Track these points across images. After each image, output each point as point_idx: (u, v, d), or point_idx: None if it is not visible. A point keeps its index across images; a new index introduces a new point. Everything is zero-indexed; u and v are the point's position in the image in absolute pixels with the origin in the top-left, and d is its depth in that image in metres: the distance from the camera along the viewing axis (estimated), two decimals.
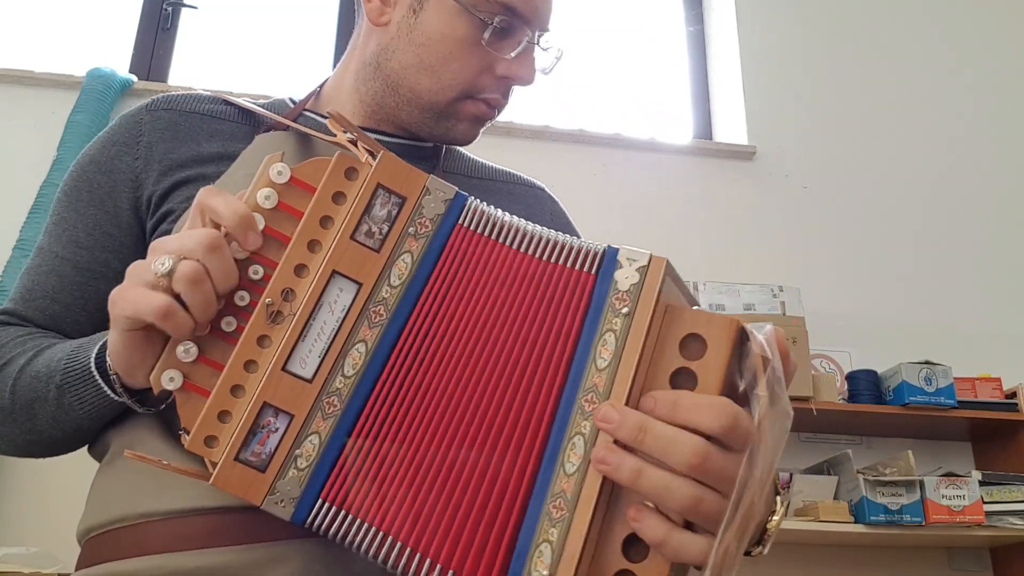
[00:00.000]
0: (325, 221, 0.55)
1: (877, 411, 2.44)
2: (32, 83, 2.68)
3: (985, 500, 2.29)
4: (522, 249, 0.56)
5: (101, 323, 0.75)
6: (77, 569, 0.69)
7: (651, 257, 0.52)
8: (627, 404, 0.49)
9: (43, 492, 2.24)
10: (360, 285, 0.54)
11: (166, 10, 2.95)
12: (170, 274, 0.53)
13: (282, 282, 0.54)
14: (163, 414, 0.68)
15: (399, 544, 0.51)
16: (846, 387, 2.55)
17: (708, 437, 0.47)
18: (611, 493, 0.49)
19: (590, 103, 3.17)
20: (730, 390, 0.49)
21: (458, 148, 0.93)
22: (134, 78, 2.69)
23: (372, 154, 0.57)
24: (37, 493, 2.25)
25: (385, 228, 0.55)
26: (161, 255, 0.54)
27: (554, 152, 2.87)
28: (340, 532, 0.52)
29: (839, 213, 2.96)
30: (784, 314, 2.46)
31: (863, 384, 2.50)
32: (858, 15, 3.26)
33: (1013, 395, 2.51)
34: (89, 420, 0.68)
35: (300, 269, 0.55)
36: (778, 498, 0.58)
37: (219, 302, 0.55)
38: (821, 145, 3.05)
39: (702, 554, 0.46)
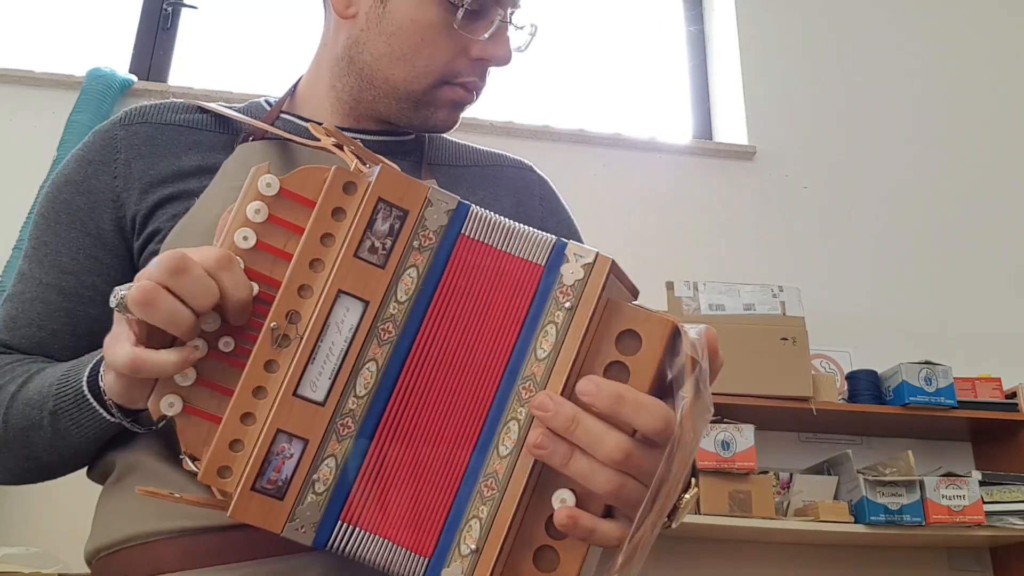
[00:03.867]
0: (326, 239, 0.54)
1: (877, 411, 2.44)
2: (32, 83, 2.68)
3: (985, 500, 2.29)
4: (510, 251, 0.56)
5: (89, 347, 0.74)
6: None
7: (597, 255, 0.53)
8: (563, 394, 0.51)
9: (43, 492, 2.23)
10: (367, 303, 0.53)
11: (166, 10, 2.95)
12: (122, 304, 0.51)
13: (286, 304, 0.53)
14: (165, 433, 0.67)
15: (395, 546, 0.52)
16: (846, 387, 2.54)
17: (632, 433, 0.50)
18: (539, 476, 0.52)
19: (590, 103, 3.17)
20: (659, 383, 0.52)
21: (440, 135, 0.91)
22: (134, 78, 2.69)
23: (361, 159, 0.57)
24: (37, 493, 2.24)
25: (388, 243, 0.54)
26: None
27: (554, 152, 2.87)
28: (359, 551, 0.52)
29: (839, 213, 2.96)
30: (784, 314, 2.46)
31: (863, 384, 2.50)
32: (859, 15, 3.26)
33: (1013, 395, 2.51)
34: (87, 443, 0.67)
35: (304, 290, 0.53)
36: (693, 479, 0.62)
37: (201, 317, 0.52)
38: (821, 145, 3.05)
39: (618, 540, 0.50)
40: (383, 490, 0.53)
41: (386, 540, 0.52)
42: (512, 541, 0.51)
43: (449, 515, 0.52)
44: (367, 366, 0.53)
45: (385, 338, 0.54)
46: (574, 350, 0.52)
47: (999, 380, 2.53)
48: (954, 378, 2.45)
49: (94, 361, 0.63)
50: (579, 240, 0.89)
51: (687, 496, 0.59)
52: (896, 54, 3.22)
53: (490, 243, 0.56)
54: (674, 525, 0.60)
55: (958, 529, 2.26)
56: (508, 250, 0.55)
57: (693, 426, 0.49)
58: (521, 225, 0.56)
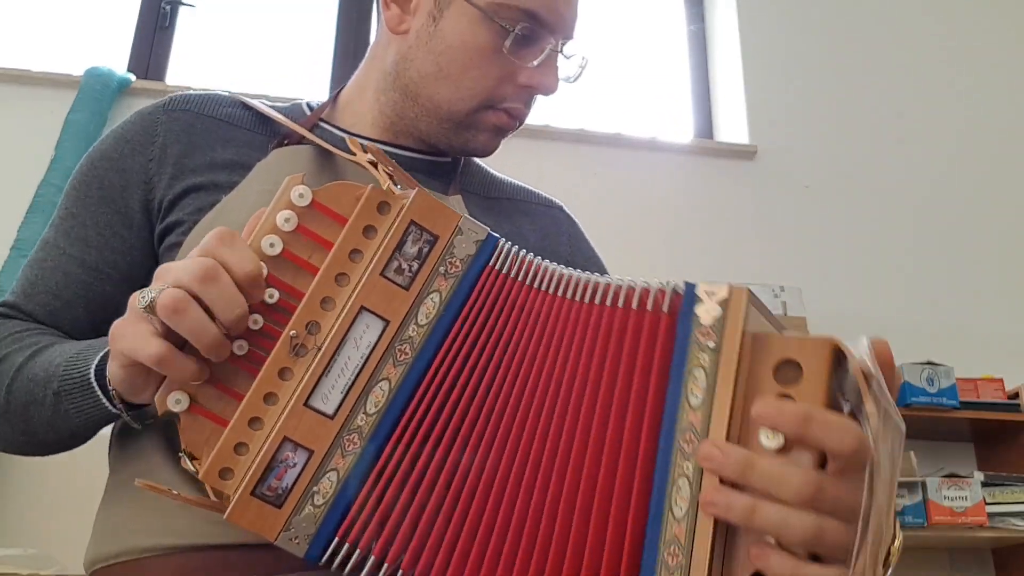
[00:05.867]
0: (354, 254, 0.54)
1: None
2: (29, 82, 2.67)
3: (987, 501, 2.29)
4: (562, 294, 0.55)
5: (100, 322, 0.75)
6: None
7: (731, 288, 0.50)
8: (727, 438, 0.46)
9: (41, 494, 2.23)
10: (387, 323, 0.54)
11: (164, 8, 2.94)
12: (151, 307, 0.51)
13: (307, 315, 0.53)
14: (167, 433, 0.67)
15: None
16: None
17: (822, 462, 0.45)
18: (727, 533, 0.47)
19: (590, 102, 3.16)
20: (832, 409, 0.46)
21: (476, 162, 0.91)
22: (132, 77, 2.68)
23: (393, 179, 0.57)
24: (35, 494, 2.24)
25: (415, 266, 0.55)
26: (158, 285, 0.53)
27: (554, 152, 2.86)
28: (354, 570, 0.52)
29: (841, 213, 2.95)
30: (785, 314, 2.45)
31: None
32: (860, 14, 3.25)
33: (1016, 396, 2.50)
34: (85, 428, 0.67)
35: (326, 302, 0.54)
36: (897, 521, 0.56)
37: (227, 329, 0.53)
38: (823, 144, 3.04)
39: None
40: (395, 522, 0.52)
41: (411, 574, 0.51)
42: None
43: None
44: (380, 384, 0.53)
45: (401, 359, 0.54)
46: (729, 390, 0.47)
47: (1001, 381, 2.52)
48: (956, 379, 2.44)
49: (105, 349, 0.63)
50: None
51: (896, 542, 0.53)
52: (898, 54, 3.21)
53: (522, 280, 0.56)
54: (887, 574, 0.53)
55: (960, 530, 2.26)
56: (551, 290, 0.55)
57: (889, 447, 0.43)
58: (579, 271, 0.55)
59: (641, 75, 3.29)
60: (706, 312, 0.50)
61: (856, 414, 0.45)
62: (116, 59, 2.84)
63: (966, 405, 2.44)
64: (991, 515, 2.28)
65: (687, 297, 0.51)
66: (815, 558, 0.45)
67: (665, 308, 0.52)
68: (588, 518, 0.49)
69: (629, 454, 0.50)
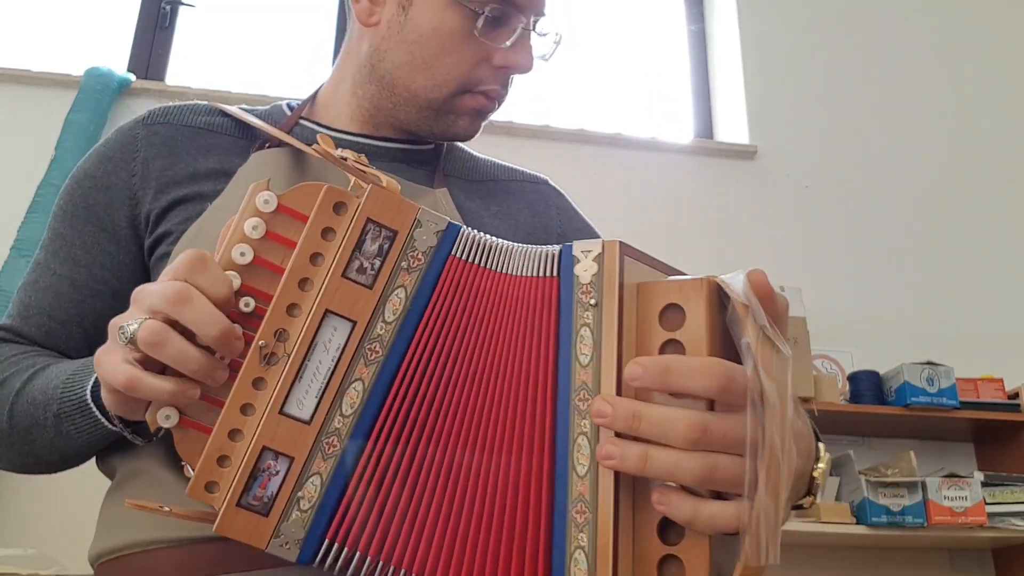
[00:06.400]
0: (315, 258, 0.54)
1: (879, 412, 2.44)
2: (30, 82, 2.67)
3: (987, 501, 2.29)
4: (510, 271, 0.55)
5: (96, 340, 0.74)
6: None
7: (604, 243, 0.52)
8: (619, 391, 0.49)
9: (41, 494, 2.23)
10: (354, 323, 0.54)
11: (164, 9, 2.94)
12: (133, 342, 0.51)
13: (275, 323, 0.53)
14: (168, 440, 0.67)
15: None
16: (848, 387, 2.54)
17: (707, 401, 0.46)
18: (634, 486, 0.49)
19: (590, 102, 3.16)
20: (723, 347, 0.48)
21: (458, 146, 0.91)
22: (132, 77, 2.68)
23: (364, 174, 0.57)
24: (35, 495, 2.24)
25: (377, 263, 0.54)
26: (135, 313, 0.53)
27: (554, 152, 2.86)
28: (350, 570, 0.52)
29: (840, 213, 2.95)
30: None
31: (865, 384, 2.49)
32: (860, 14, 3.25)
33: (1016, 396, 2.51)
34: (88, 447, 0.68)
35: (292, 308, 0.54)
36: (820, 444, 0.58)
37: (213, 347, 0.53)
38: (822, 144, 3.04)
39: (735, 519, 0.45)
40: (387, 518, 0.52)
41: (400, 568, 0.52)
42: (628, 560, 0.48)
43: (551, 552, 0.49)
44: (353, 386, 0.53)
45: (372, 358, 0.54)
46: (614, 345, 0.49)
47: (1001, 381, 2.52)
48: (956, 379, 2.45)
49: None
50: None
51: (821, 466, 0.55)
52: (898, 54, 3.21)
53: (487, 266, 0.55)
54: (817, 500, 0.56)
55: (960, 530, 2.26)
56: (510, 271, 0.55)
57: (771, 374, 0.45)
58: (520, 245, 0.56)
59: (641, 75, 3.29)
60: (584, 271, 0.52)
61: (737, 343, 0.47)
62: (116, 59, 2.84)
63: (966, 405, 2.44)
64: (991, 515, 2.28)
65: (564, 259, 0.53)
66: (718, 495, 0.46)
67: (555, 272, 0.53)
68: (508, 492, 0.51)
69: (539, 422, 0.51)
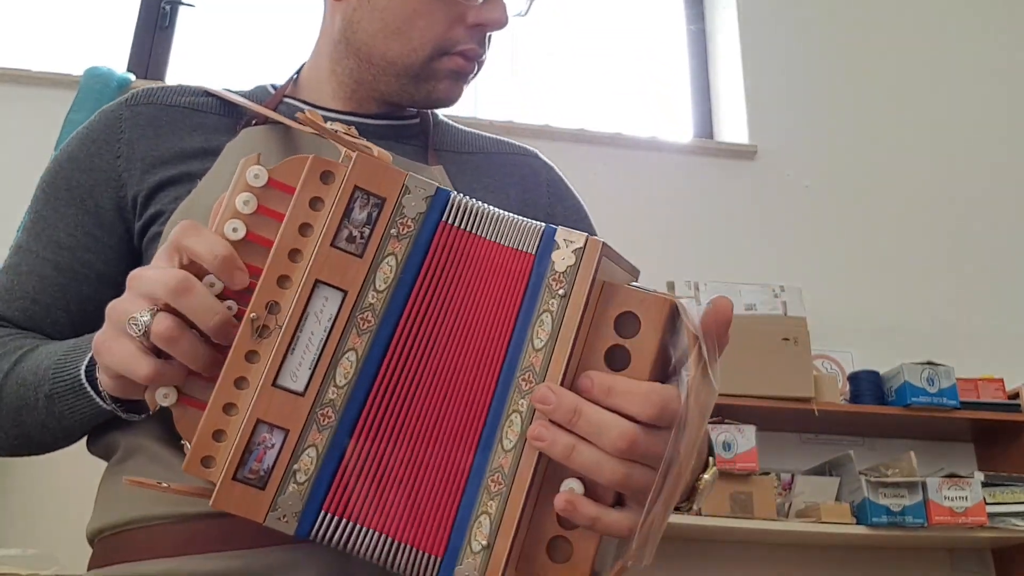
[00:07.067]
0: (304, 228, 0.54)
1: (879, 412, 2.43)
2: (29, 82, 2.67)
3: (988, 501, 2.28)
4: (496, 239, 0.55)
5: (81, 323, 0.75)
6: (90, 568, 0.69)
7: (587, 239, 0.53)
8: (563, 383, 0.51)
9: (41, 494, 2.23)
10: (345, 293, 0.53)
11: (164, 8, 2.94)
12: (146, 334, 0.52)
13: (265, 295, 0.53)
14: (167, 417, 0.67)
15: (395, 542, 0.52)
16: (848, 388, 2.53)
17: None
18: (547, 467, 0.51)
19: (590, 102, 3.16)
20: (663, 363, 0.51)
21: (447, 121, 0.91)
22: (132, 76, 2.68)
23: (352, 147, 0.56)
24: (35, 495, 2.24)
25: (366, 232, 0.54)
26: (135, 300, 0.53)
27: (554, 151, 2.83)
28: (344, 540, 0.52)
29: (841, 213, 2.95)
30: (786, 314, 2.45)
31: (865, 385, 2.49)
32: (860, 14, 3.25)
33: (1016, 396, 2.50)
34: (81, 426, 0.68)
35: (283, 280, 0.53)
36: (710, 458, 0.63)
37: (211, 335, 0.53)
38: (823, 144, 3.04)
39: (630, 529, 0.49)
40: (375, 483, 0.52)
41: (385, 535, 0.52)
42: (524, 534, 0.51)
43: (458, 512, 0.52)
44: (347, 356, 0.53)
45: (364, 327, 0.53)
46: (571, 337, 0.51)
47: (1002, 381, 2.52)
48: (956, 379, 2.44)
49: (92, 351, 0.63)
50: (589, 224, 0.89)
51: (706, 477, 0.60)
52: (898, 52, 3.21)
53: (476, 232, 0.55)
54: (696, 507, 0.60)
55: (960, 531, 2.25)
56: (496, 239, 0.55)
57: (698, 404, 0.48)
58: (508, 213, 0.56)
59: (641, 75, 3.29)
60: (561, 259, 0.53)
61: (678, 369, 0.50)
62: (116, 59, 2.84)
63: (966, 405, 2.44)
64: (991, 515, 2.27)
65: (545, 241, 0.53)
66: (620, 498, 0.51)
67: (533, 249, 0.54)
68: (440, 450, 0.53)
69: (481, 391, 0.53)
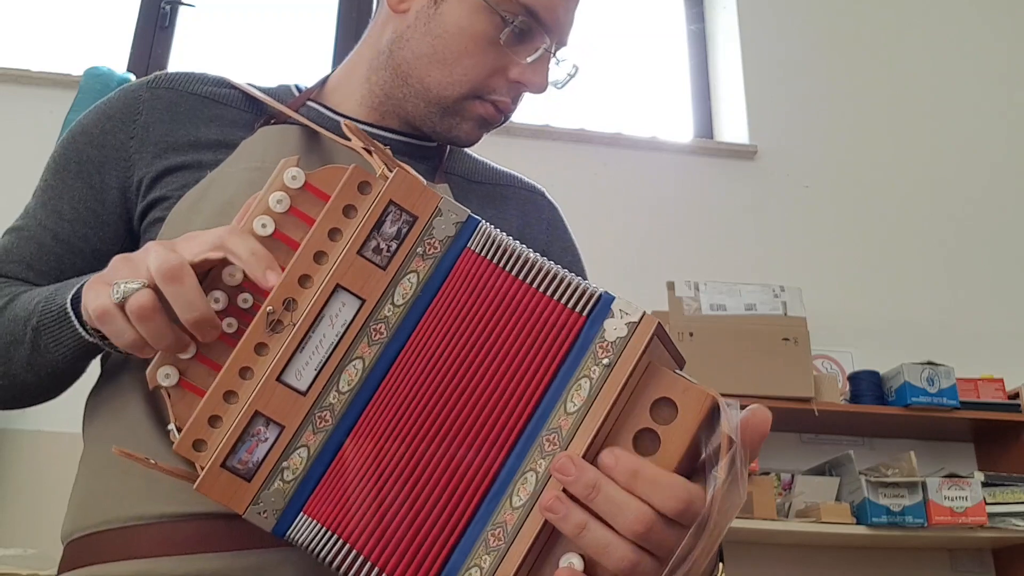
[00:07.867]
0: (334, 233, 0.55)
1: (879, 412, 2.43)
2: (29, 82, 2.67)
3: (988, 501, 2.28)
4: (525, 279, 0.54)
5: None
6: (60, 572, 0.68)
7: (644, 315, 0.51)
8: (586, 455, 0.48)
9: (41, 494, 2.23)
10: (363, 301, 0.54)
11: (164, 8, 2.94)
12: (122, 303, 0.53)
13: (285, 291, 0.54)
14: (147, 398, 0.67)
15: (367, 562, 0.51)
16: (848, 388, 2.53)
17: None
18: (550, 535, 0.49)
19: (590, 102, 3.16)
20: (691, 458, 0.49)
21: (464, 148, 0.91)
22: (132, 76, 2.68)
23: (388, 166, 0.57)
24: (35, 495, 2.24)
25: (393, 246, 0.55)
26: (136, 267, 0.55)
27: (554, 152, 2.86)
28: (318, 548, 0.52)
29: (841, 213, 2.95)
30: (786, 314, 2.44)
31: (865, 385, 2.49)
32: (860, 14, 3.25)
33: (1016, 396, 2.50)
34: (64, 361, 0.67)
35: (304, 279, 0.54)
36: (721, 564, 0.60)
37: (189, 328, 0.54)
38: (823, 144, 3.04)
39: None
40: (363, 498, 0.52)
41: (364, 558, 0.51)
42: None
43: (450, 557, 0.50)
44: (353, 363, 0.54)
45: (376, 338, 0.54)
46: (605, 410, 0.49)
47: (1002, 381, 2.52)
48: (956, 379, 2.44)
49: (81, 283, 0.64)
50: (582, 267, 0.90)
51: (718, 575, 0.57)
52: (899, 53, 3.21)
53: (503, 266, 0.54)
54: None
55: (960, 531, 2.26)
56: (534, 284, 0.53)
57: (724, 509, 0.46)
58: (554, 264, 0.54)
59: (641, 75, 3.29)
60: (613, 329, 0.50)
61: (707, 466, 0.47)
62: (116, 59, 2.84)
63: (966, 405, 2.44)
64: (991, 515, 2.27)
65: (600, 308, 0.51)
66: None
67: (585, 311, 0.52)
68: (447, 489, 0.51)
69: (502, 440, 0.51)
